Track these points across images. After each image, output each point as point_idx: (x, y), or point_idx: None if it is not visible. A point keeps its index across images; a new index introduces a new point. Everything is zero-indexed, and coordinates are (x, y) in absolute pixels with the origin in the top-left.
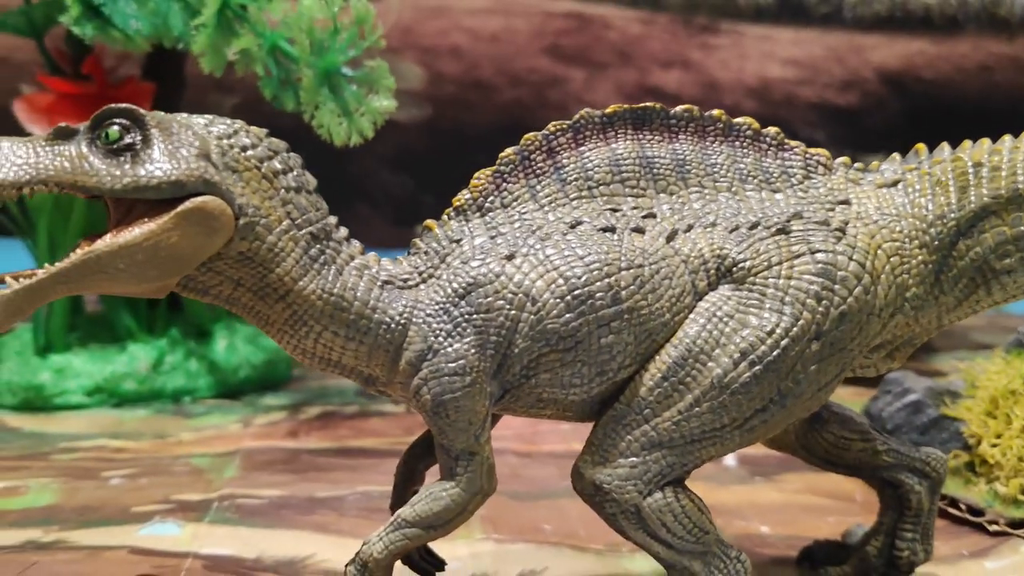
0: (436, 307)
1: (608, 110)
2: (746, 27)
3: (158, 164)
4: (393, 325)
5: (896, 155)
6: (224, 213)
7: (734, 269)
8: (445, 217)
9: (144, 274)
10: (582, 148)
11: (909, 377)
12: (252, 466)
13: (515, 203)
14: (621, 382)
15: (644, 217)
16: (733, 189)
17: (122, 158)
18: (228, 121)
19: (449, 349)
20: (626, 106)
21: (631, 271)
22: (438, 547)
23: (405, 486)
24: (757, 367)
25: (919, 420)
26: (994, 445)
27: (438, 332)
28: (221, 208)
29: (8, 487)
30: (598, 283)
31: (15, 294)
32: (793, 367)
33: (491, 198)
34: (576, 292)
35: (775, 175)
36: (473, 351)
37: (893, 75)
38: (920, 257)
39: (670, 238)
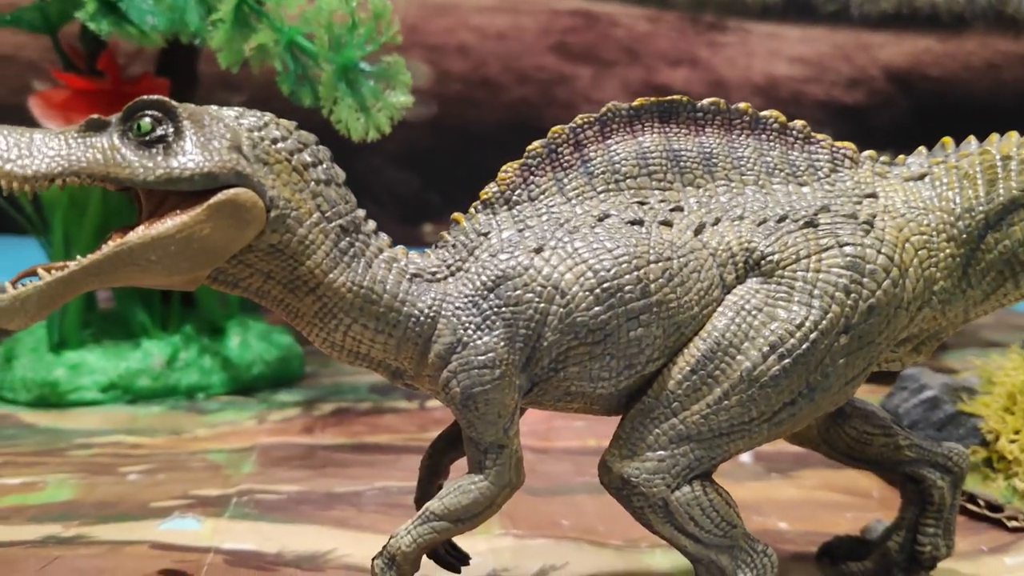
0: (465, 300)
1: (635, 103)
2: (753, 25)
3: (191, 156)
4: (422, 318)
5: (922, 148)
6: (256, 205)
7: (762, 262)
8: (472, 210)
9: (176, 266)
10: (609, 141)
11: (925, 373)
12: (269, 462)
13: (542, 196)
14: (649, 375)
15: (672, 210)
16: (760, 182)
17: (154, 150)
18: (258, 114)
19: (478, 342)
20: (653, 99)
21: (660, 264)
22: (459, 542)
23: (430, 480)
24: (786, 360)
25: (936, 416)
26: (1012, 441)
27: (467, 325)
28: (253, 200)
29: (26, 483)
30: (627, 276)
31: (47, 286)
32: (822, 360)
33: (518, 191)
34: (605, 285)
35: (802, 168)
36: (502, 344)
37: (900, 73)
38: (948, 250)
39: (698, 231)
